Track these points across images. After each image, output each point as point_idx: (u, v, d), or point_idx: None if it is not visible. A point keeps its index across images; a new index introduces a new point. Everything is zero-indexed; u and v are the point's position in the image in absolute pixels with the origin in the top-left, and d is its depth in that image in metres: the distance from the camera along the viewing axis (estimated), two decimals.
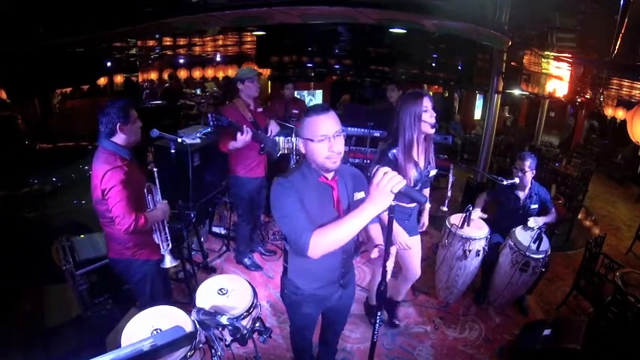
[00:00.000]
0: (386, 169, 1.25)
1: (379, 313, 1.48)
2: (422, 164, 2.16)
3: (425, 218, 2.54)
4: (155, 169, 2.08)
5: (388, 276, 1.45)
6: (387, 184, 1.22)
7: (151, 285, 2.16)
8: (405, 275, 2.57)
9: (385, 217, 1.74)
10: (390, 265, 1.47)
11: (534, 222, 2.84)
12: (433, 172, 2.25)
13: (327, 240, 1.37)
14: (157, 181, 2.07)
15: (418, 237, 2.46)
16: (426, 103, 2.03)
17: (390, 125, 2.19)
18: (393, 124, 2.11)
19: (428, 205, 2.49)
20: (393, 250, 1.44)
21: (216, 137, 2.97)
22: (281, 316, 2.84)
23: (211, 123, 2.61)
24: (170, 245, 2.13)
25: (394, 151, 2.07)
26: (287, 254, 1.67)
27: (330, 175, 1.53)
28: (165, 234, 2.11)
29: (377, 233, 1.69)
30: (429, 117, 2.03)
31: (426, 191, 2.44)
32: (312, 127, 1.43)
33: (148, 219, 1.91)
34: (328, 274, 1.68)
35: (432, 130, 2.07)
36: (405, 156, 2.05)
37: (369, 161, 3.96)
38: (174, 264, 2.15)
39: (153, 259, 2.13)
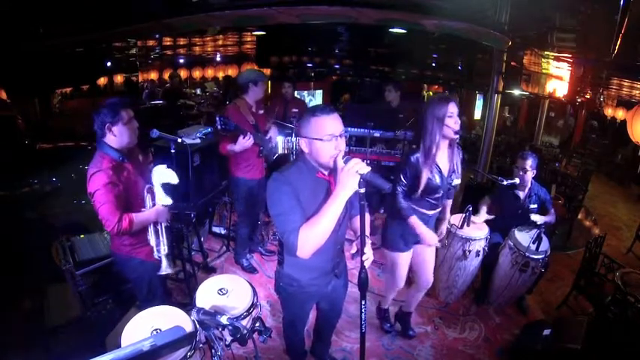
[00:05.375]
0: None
1: (363, 302, 1.52)
2: (445, 171, 2.14)
3: (443, 227, 2.48)
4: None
5: (367, 264, 1.51)
6: (353, 166, 1.34)
7: (149, 286, 2.12)
8: (417, 283, 2.53)
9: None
10: (368, 255, 1.52)
11: (538, 218, 2.84)
12: (457, 182, 2.22)
13: (312, 236, 1.42)
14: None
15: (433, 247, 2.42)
16: (452, 108, 2.00)
17: (416, 128, 2.21)
18: (419, 127, 2.12)
19: (448, 215, 2.48)
20: (368, 245, 1.52)
21: (216, 138, 2.97)
22: (281, 315, 2.84)
23: (219, 127, 2.59)
24: (167, 250, 2.02)
25: (417, 155, 2.08)
26: (282, 247, 1.70)
27: (327, 171, 1.56)
28: (162, 238, 2.02)
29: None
30: (453, 122, 2.01)
31: (449, 202, 2.41)
32: (319, 126, 1.45)
33: (134, 221, 1.87)
34: (323, 265, 1.72)
35: (456, 136, 2.05)
36: (424, 160, 2.05)
37: (369, 161, 3.96)
38: (169, 271, 2.03)
39: (151, 260, 2.05)
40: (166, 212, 2.03)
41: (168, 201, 1.98)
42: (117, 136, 1.88)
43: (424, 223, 2.23)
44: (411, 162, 2.09)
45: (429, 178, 2.08)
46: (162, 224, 2.03)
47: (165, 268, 2.02)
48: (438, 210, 2.28)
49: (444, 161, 2.13)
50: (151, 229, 2.00)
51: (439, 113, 2.00)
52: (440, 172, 2.11)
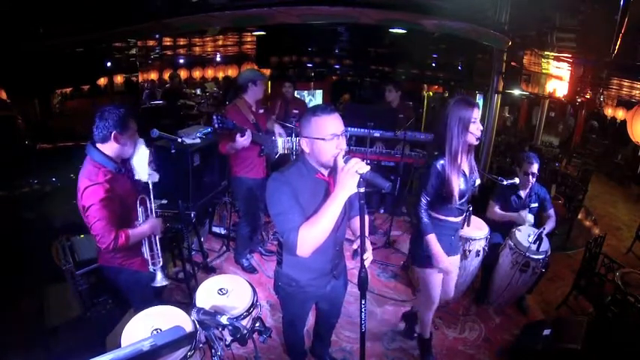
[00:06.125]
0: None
1: (363, 302, 1.53)
2: (467, 174, 2.07)
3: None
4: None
5: (367, 263, 1.52)
6: (353, 166, 1.35)
7: (142, 294, 2.07)
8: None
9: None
10: (368, 255, 1.54)
11: (530, 219, 2.85)
12: (478, 182, 2.15)
13: (311, 235, 1.43)
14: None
15: (459, 257, 2.34)
16: (476, 114, 1.93)
17: (436, 133, 2.13)
18: (439, 131, 2.01)
19: (467, 227, 2.39)
20: (368, 244, 1.53)
21: (217, 138, 2.97)
22: (280, 315, 2.84)
23: (216, 125, 2.58)
24: (161, 263, 1.98)
25: (442, 162, 1.98)
26: (282, 246, 1.71)
27: (326, 172, 1.57)
28: (156, 250, 1.97)
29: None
30: (475, 128, 1.94)
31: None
32: (321, 126, 1.46)
33: (130, 236, 1.80)
34: (321, 265, 1.73)
35: (477, 142, 1.99)
36: (451, 167, 1.96)
37: (369, 161, 3.95)
38: (164, 283, 2.01)
39: (144, 270, 1.99)
40: (160, 224, 1.99)
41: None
42: (119, 146, 1.80)
43: (455, 232, 2.19)
44: (437, 170, 1.98)
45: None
46: (157, 236, 1.98)
47: (160, 280, 1.99)
48: (464, 215, 2.22)
49: (464, 164, 2.05)
50: (145, 243, 1.95)
51: (465, 117, 1.91)
52: (464, 175, 2.03)
